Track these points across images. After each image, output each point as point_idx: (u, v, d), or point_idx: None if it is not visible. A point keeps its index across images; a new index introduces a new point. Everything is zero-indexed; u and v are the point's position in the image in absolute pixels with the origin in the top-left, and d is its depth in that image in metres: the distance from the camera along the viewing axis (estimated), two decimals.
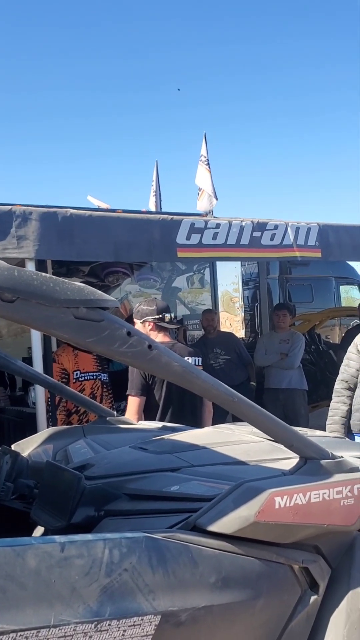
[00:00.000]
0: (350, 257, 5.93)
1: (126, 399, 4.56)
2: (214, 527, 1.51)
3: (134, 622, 1.31)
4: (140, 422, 3.34)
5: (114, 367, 5.26)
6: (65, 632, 1.23)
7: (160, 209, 11.23)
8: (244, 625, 1.50)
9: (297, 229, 4.79)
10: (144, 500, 1.89)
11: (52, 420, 4.27)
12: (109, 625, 1.28)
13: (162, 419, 3.60)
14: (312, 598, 1.62)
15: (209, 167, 9.56)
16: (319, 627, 1.62)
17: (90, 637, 1.26)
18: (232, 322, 11.05)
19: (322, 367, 8.20)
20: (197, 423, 3.61)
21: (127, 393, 3.85)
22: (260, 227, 4.57)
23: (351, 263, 11.23)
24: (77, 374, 4.55)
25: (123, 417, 3.19)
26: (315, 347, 9.15)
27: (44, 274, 1.42)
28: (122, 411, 4.23)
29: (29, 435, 2.96)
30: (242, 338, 9.52)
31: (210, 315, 6.60)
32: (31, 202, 4.08)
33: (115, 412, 3.14)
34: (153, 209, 11.22)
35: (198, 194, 9.83)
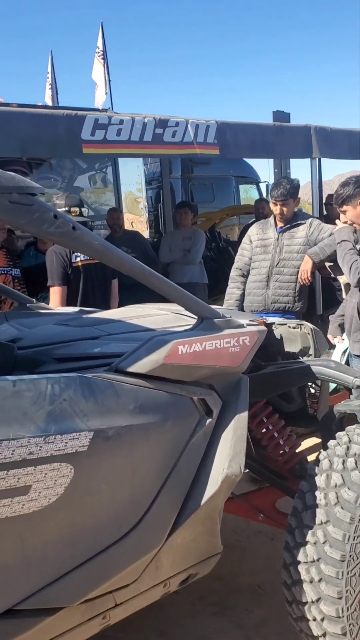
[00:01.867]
0: (247, 155, 6.26)
1: (39, 294, 4.83)
2: (131, 369, 1.92)
3: (74, 436, 1.71)
4: (58, 307, 3.65)
5: (24, 263, 5.43)
6: (22, 443, 1.61)
7: (58, 102, 10.84)
8: (157, 440, 1.96)
9: (197, 126, 5.02)
10: (71, 362, 2.25)
11: None
12: (54, 438, 1.67)
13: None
14: (208, 421, 2.11)
15: (104, 61, 9.30)
16: (213, 442, 2.11)
17: (41, 447, 1.64)
18: (137, 223, 11.23)
19: (222, 263, 8.69)
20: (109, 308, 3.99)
21: (48, 284, 4.12)
22: (162, 124, 4.76)
23: (249, 162, 11.59)
24: None
25: (42, 303, 3.48)
26: (215, 244, 9.65)
27: None
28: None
29: None
30: (147, 238, 9.79)
31: (115, 214, 6.79)
32: None
33: (34, 300, 3.42)
34: (50, 102, 10.81)
35: (95, 88, 9.58)
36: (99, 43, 9.59)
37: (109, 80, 9.48)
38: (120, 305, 4.19)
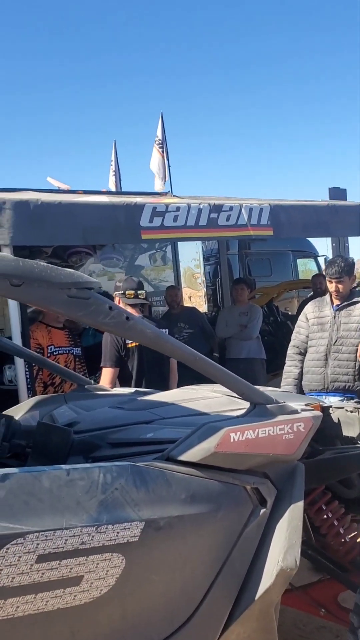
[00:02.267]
0: (301, 234, 6.36)
1: (98, 372, 4.96)
2: (183, 457, 1.94)
3: (125, 526, 1.72)
4: (115, 388, 3.74)
5: (84, 342, 5.62)
6: (74, 533, 1.64)
7: (120, 188, 11.45)
8: (209, 530, 1.94)
9: (251, 209, 5.18)
10: (125, 447, 2.29)
11: (31, 393, 4.61)
12: (106, 528, 1.69)
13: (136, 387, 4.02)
14: (262, 511, 2.07)
15: (162, 150, 9.83)
16: (267, 533, 2.06)
17: (93, 536, 1.67)
18: (195, 298, 11.42)
19: (280, 337, 8.62)
20: (167, 388, 4.05)
21: (101, 365, 4.26)
22: (217, 209, 4.95)
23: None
24: (51, 349, 4.89)
25: (99, 384, 3.58)
26: (273, 318, 9.64)
27: (42, 262, 1.79)
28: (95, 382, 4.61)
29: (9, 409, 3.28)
30: (205, 312, 9.89)
31: (173, 291, 6.97)
32: None
33: (92, 381, 3.52)
34: (113, 188, 11.43)
35: (154, 175, 10.08)
36: (159, 132, 10.16)
37: (169, 166, 9.98)
38: (180, 382, 4.25)
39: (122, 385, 4.11)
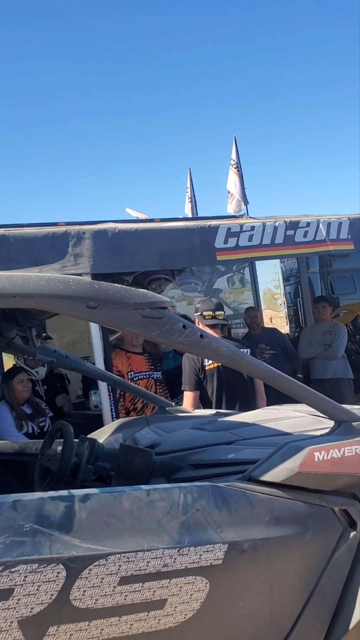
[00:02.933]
0: None
1: (179, 395, 4.96)
2: (265, 477, 1.88)
3: (208, 548, 1.68)
4: (196, 410, 3.71)
5: (165, 366, 5.64)
6: (156, 555, 1.61)
7: (197, 214, 11.59)
8: (296, 554, 1.85)
9: (329, 224, 5.06)
10: (206, 468, 2.26)
11: (114, 417, 4.68)
12: (189, 550, 1.66)
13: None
14: (352, 534, 1.96)
15: (239, 171, 9.87)
16: (359, 557, 1.95)
17: (175, 559, 1.64)
18: (276, 319, 11.24)
19: None
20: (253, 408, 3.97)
21: (182, 388, 4.25)
22: (293, 225, 4.88)
23: None
24: (131, 374, 4.95)
25: (180, 406, 3.58)
26: (359, 336, 9.31)
27: (115, 284, 1.82)
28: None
29: None
30: (287, 333, 9.70)
31: (253, 313, 6.89)
32: (75, 218, 4.53)
33: (172, 403, 3.52)
34: (189, 214, 11.59)
35: (228, 198, 10.13)
36: (233, 155, 10.22)
37: (244, 189, 9.99)
38: (268, 402, 4.16)
39: (204, 408, 4.08)
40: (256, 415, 3.00)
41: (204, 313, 4.24)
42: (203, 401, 4.25)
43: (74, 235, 4.12)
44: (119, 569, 1.58)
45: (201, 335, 1.90)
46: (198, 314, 4.30)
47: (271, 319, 11.10)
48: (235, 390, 4.26)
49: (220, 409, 3.95)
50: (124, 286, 1.83)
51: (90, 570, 1.55)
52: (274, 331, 7.17)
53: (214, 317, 4.24)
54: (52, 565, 1.52)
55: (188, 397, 4.16)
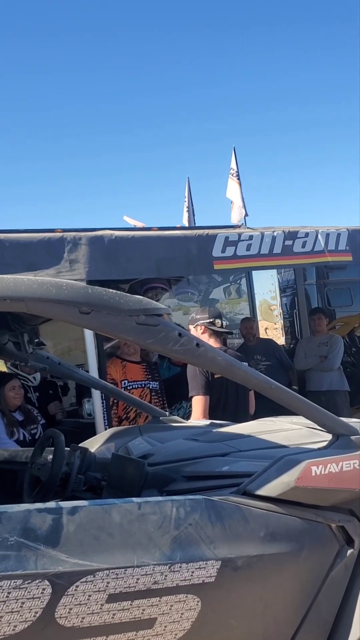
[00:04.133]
0: None
1: (174, 405, 4.89)
2: (261, 492, 1.81)
3: (200, 565, 1.62)
4: (189, 420, 3.64)
5: (165, 374, 5.57)
6: (146, 571, 1.55)
7: (194, 223, 11.57)
8: (291, 572, 1.79)
9: (328, 235, 5.03)
10: (199, 480, 2.19)
11: (107, 426, 4.61)
12: (180, 567, 1.59)
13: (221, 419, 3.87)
14: (349, 552, 1.90)
15: (239, 180, 9.86)
16: (356, 576, 1.89)
17: (166, 576, 1.57)
18: (271, 330, 11.19)
19: None
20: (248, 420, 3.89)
21: (190, 395, 4.12)
22: (292, 235, 4.84)
23: None
24: (125, 383, 4.88)
25: (174, 416, 3.51)
26: (356, 349, 9.26)
27: (110, 290, 1.77)
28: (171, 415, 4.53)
29: None
30: (283, 345, 9.65)
31: (249, 323, 6.85)
32: (72, 225, 4.47)
33: (167, 413, 3.46)
34: (187, 224, 11.56)
35: (231, 206, 10.11)
36: (233, 165, 10.22)
37: (243, 199, 9.98)
38: (257, 414, 4.08)
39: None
40: (251, 427, 2.94)
41: (216, 321, 4.08)
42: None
43: (70, 240, 4.07)
44: (107, 586, 1.51)
45: (197, 344, 1.84)
46: (207, 321, 4.07)
47: (266, 330, 11.06)
48: (239, 402, 4.17)
49: (226, 417, 3.86)
50: (118, 292, 1.77)
51: (77, 586, 1.49)
52: (269, 342, 7.14)
53: (222, 326, 4.11)
54: (37, 581, 1.46)
55: (200, 401, 4.00)
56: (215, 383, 4.07)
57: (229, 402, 4.10)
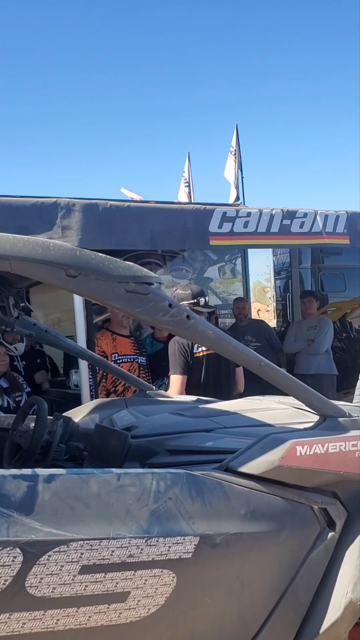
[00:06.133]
0: None
1: (156, 382, 4.84)
2: (243, 469, 1.77)
3: (177, 540, 1.58)
4: (176, 395, 3.60)
5: (147, 350, 5.52)
6: (122, 544, 1.51)
7: (193, 199, 11.44)
8: (270, 552, 1.75)
9: (326, 216, 4.95)
10: (182, 454, 2.15)
11: (94, 398, 4.57)
12: (157, 541, 1.55)
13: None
14: (330, 534, 1.87)
15: (237, 159, 9.75)
16: (336, 558, 1.86)
17: (142, 549, 1.53)
18: (264, 312, 11.15)
19: (353, 354, 8.30)
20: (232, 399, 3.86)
21: (169, 373, 4.10)
22: (290, 215, 4.76)
23: None
24: (115, 357, 4.82)
25: (161, 391, 3.46)
26: (346, 334, 9.26)
27: (100, 254, 1.69)
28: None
29: None
30: (274, 327, 9.64)
31: (241, 303, 6.80)
32: (67, 195, 4.35)
33: (153, 387, 3.41)
34: (184, 200, 11.44)
35: (231, 185, 9.97)
36: (233, 142, 10.08)
37: (242, 177, 9.86)
38: (243, 395, 4.05)
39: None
40: (238, 404, 2.90)
41: (200, 300, 4.02)
42: (187, 388, 4.13)
43: (64, 206, 3.96)
44: (80, 557, 1.47)
45: (187, 316, 1.78)
46: (190, 301, 4.00)
47: (259, 311, 11.01)
48: (222, 380, 4.14)
49: (208, 396, 3.84)
50: (108, 256, 1.70)
51: (49, 556, 1.44)
52: (261, 323, 7.10)
53: (206, 305, 4.05)
54: (9, 548, 1.41)
55: (177, 381, 3.99)
56: (196, 363, 4.03)
57: (209, 383, 4.06)
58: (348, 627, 1.86)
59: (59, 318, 7.17)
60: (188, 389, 4.06)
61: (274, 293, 10.83)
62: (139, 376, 4.87)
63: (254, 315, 9.32)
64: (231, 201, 9.78)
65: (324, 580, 1.84)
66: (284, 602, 1.77)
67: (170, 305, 1.75)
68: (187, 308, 3.86)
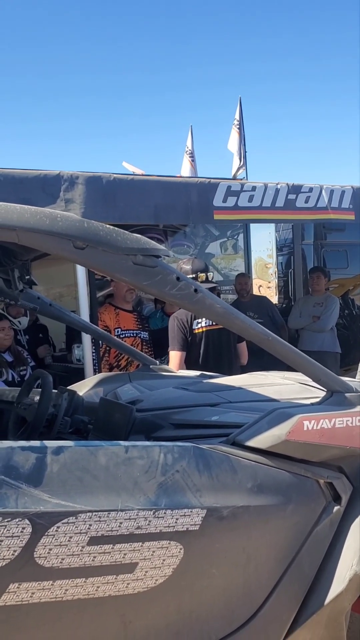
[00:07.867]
0: None
1: (163, 357, 4.84)
2: (250, 443, 1.77)
3: (185, 513, 1.58)
4: (180, 370, 3.60)
5: (152, 325, 5.52)
6: (130, 516, 1.51)
7: (197, 174, 11.31)
8: (276, 525, 1.77)
9: (332, 191, 4.89)
10: (188, 428, 2.16)
11: (97, 373, 4.57)
12: (164, 513, 1.56)
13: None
14: (335, 508, 1.87)
15: (240, 131, 9.59)
16: (341, 532, 1.87)
17: (150, 521, 1.54)
18: (265, 289, 11.11)
19: (355, 331, 8.30)
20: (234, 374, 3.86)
21: (169, 349, 4.12)
22: (295, 189, 4.70)
23: None
24: (118, 331, 4.82)
25: (164, 366, 3.46)
26: (348, 311, 9.25)
27: (108, 225, 1.67)
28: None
29: None
30: (276, 304, 9.62)
31: (243, 279, 6.76)
32: (69, 168, 4.29)
33: (157, 362, 3.41)
34: (187, 174, 11.30)
35: (233, 157, 9.82)
36: (237, 115, 9.92)
37: (245, 152, 9.73)
38: (245, 371, 4.05)
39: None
40: (243, 379, 2.90)
41: (199, 275, 4.02)
42: (187, 364, 4.13)
43: (67, 179, 3.91)
44: (89, 528, 1.47)
45: (195, 290, 1.76)
46: (189, 275, 4.02)
47: (260, 288, 10.97)
48: (222, 356, 4.14)
49: (207, 371, 3.84)
50: (116, 228, 1.67)
51: (58, 527, 1.45)
52: (263, 299, 7.07)
53: (206, 280, 4.05)
54: (17, 519, 1.42)
55: (175, 357, 4.03)
56: (195, 340, 4.03)
57: (209, 359, 4.06)
58: (352, 599, 1.88)
59: (60, 293, 7.15)
60: (188, 365, 4.07)
61: (276, 269, 10.77)
62: (141, 351, 4.88)
63: (255, 292, 9.29)
64: (234, 169, 9.66)
65: (329, 553, 1.85)
66: (289, 574, 1.79)
67: (178, 278, 1.73)
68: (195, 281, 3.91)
